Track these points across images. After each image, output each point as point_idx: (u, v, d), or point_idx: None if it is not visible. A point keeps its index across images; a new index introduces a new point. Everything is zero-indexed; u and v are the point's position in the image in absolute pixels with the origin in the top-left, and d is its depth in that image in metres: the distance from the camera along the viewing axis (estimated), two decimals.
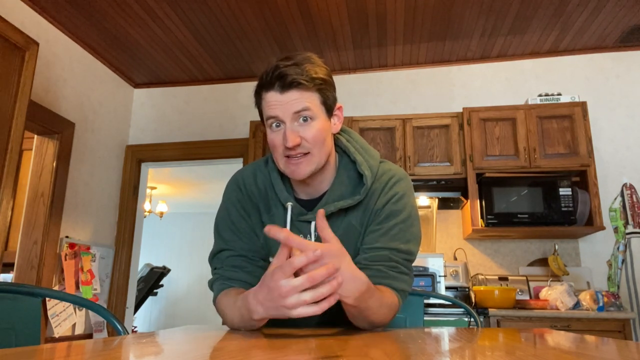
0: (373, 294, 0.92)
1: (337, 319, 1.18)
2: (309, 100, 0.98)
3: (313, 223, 1.06)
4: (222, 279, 1.09)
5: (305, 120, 0.99)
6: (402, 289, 1.05)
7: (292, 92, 0.97)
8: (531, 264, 3.32)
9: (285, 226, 1.07)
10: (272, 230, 0.79)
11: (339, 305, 1.14)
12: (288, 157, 1.00)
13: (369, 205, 1.08)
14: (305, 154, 1.00)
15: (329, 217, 1.05)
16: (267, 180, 1.12)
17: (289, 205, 1.06)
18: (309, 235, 1.08)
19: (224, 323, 1.06)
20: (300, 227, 1.08)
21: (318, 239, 1.06)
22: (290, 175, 1.03)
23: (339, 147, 1.13)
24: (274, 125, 1.00)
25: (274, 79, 0.97)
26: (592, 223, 2.98)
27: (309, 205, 1.09)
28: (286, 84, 0.96)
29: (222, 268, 1.10)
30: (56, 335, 3.03)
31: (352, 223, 1.08)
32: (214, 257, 1.14)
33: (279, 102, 0.98)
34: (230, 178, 1.20)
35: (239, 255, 1.09)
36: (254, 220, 1.13)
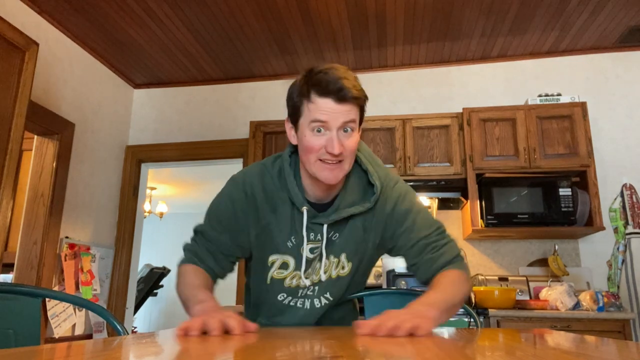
0: (443, 300, 1.00)
1: (329, 320, 1.19)
2: (355, 114, 1.07)
3: (325, 226, 1.13)
4: (194, 255, 1.19)
5: (346, 131, 1.05)
6: (454, 255, 1.16)
7: (347, 105, 1.04)
8: (531, 265, 3.32)
9: (292, 225, 1.14)
10: (361, 329, 0.86)
11: (331, 308, 1.15)
12: (322, 161, 1.05)
13: (375, 211, 1.16)
14: (340, 161, 1.06)
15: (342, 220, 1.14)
16: (275, 181, 1.16)
17: (305, 209, 1.13)
18: (320, 235, 1.14)
19: (176, 286, 1.17)
20: (314, 228, 1.14)
21: (329, 241, 1.15)
22: (322, 179, 1.07)
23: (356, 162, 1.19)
24: (316, 129, 1.05)
25: (335, 89, 1.02)
26: (592, 223, 2.97)
27: (320, 208, 1.15)
28: (346, 97, 1.03)
29: (199, 246, 1.19)
30: (56, 336, 3.03)
31: (357, 224, 1.16)
32: (197, 233, 1.22)
33: (332, 110, 1.03)
34: (236, 175, 1.22)
35: (217, 247, 1.18)
36: (250, 221, 1.17)
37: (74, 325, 3.22)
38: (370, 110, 3.75)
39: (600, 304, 2.63)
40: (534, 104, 3.24)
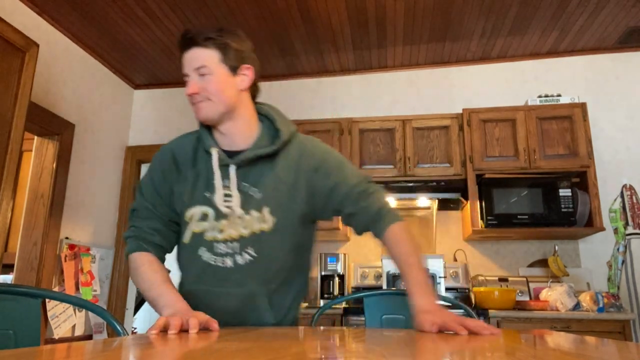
0: (427, 280, 1.13)
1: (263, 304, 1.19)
2: (206, 56, 1.15)
3: (232, 167, 1.17)
4: (139, 239, 1.20)
5: (203, 75, 1.15)
6: (384, 203, 1.22)
7: (191, 51, 1.16)
8: (531, 265, 3.32)
9: (209, 172, 1.19)
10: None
11: (267, 288, 1.17)
12: (193, 103, 1.17)
13: (301, 166, 1.21)
14: (208, 100, 1.16)
15: (255, 167, 1.18)
16: (194, 140, 1.26)
17: (214, 150, 1.19)
18: (227, 180, 1.17)
19: (132, 277, 1.20)
20: (223, 171, 1.18)
21: (249, 196, 1.17)
22: (196, 116, 1.19)
23: (262, 114, 1.27)
24: (185, 78, 1.18)
25: (181, 42, 1.18)
26: (592, 224, 2.97)
27: (232, 155, 1.20)
28: (187, 44, 1.17)
29: (141, 228, 1.21)
30: (56, 337, 3.03)
31: (280, 176, 1.19)
32: (133, 213, 1.25)
33: (184, 60, 1.17)
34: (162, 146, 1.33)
35: (157, 219, 1.22)
36: (174, 178, 1.23)
37: (74, 326, 3.22)
38: (370, 111, 3.78)
39: (601, 305, 2.63)
40: (534, 105, 3.24)
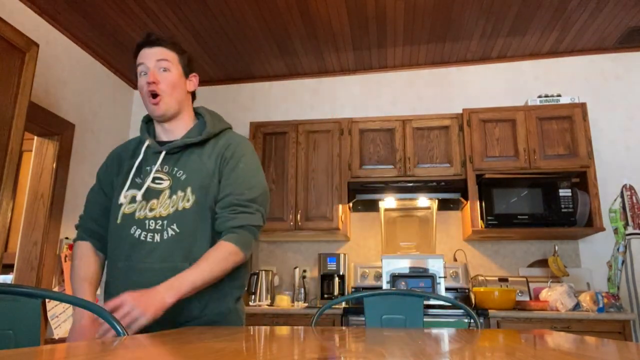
0: (192, 282, 1.17)
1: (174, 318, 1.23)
2: (168, 55, 1.35)
3: (162, 155, 1.34)
4: (82, 229, 1.41)
5: (164, 70, 1.33)
6: (242, 224, 1.28)
7: (156, 48, 1.34)
8: (531, 265, 3.32)
9: (142, 160, 1.36)
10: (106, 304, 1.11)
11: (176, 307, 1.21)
12: (148, 97, 1.32)
13: (221, 155, 1.35)
14: (165, 97, 1.33)
15: (184, 154, 1.34)
16: (137, 140, 1.43)
17: (147, 141, 1.37)
18: (153, 166, 1.33)
19: (71, 265, 1.38)
20: (152, 158, 1.36)
21: (176, 178, 1.31)
22: (151, 111, 1.35)
23: (199, 114, 1.45)
24: (142, 73, 1.34)
25: (145, 39, 1.35)
26: (592, 224, 2.97)
27: (164, 144, 1.37)
28: (153, 42, 1.34)
29: (85, 217, 1.42)
30: (56, 337, 3.03)
31: (204, 161, 1.33)
32: (87, 198, 1.45)
33: (146, 54, 1.33)
34: None
35: (97, 206, 1.40)
36: (114, 172, 1.40)
37: None
38: (370, 111, 3.78)
39: (601, 305, 2.63)
40: (534, 105, 3.24)
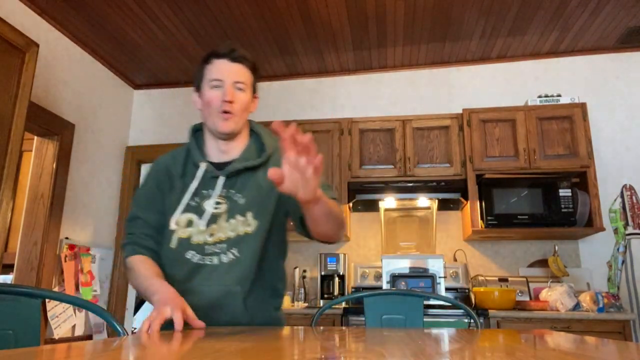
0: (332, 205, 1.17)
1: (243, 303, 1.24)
2: (246, 76, 1.31)
3: (220, 179, 1.30)
4: (135, 245, 1.31)
5: (239, 90, 1.29)
6: (332, 197, 1.27)
7: (238, 65, 1.30)
8: (531, 265, 3.32)
9: (198, 183, 1.30)
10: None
11: (245, 288, 1.23)
12: (219, 113, 1.27)
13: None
14: (236, 115, 1.28)
15: (241, 177, 1.30)
16: (184, 154, 1.37)
17: (203, 164, 1.32)
18: (211, 190, 1.29)
19: (128, 278, 1.31)
20: (210, 182, 1.30)
21: (234, 202, 1.28)
22: (220, 127, 1.28)
23: (252, 130, 1.40)
24: (215, 86, 1.28)
25: (228, 51, 1.31)
26: (592, 224, 2.98)
27: (220, 167, 1.32)
28: (237, 57, 1.30)
29: (136, 235, 1.32)
30: (56, 337, 3.03)
31: (261, 184, 1.30)
32: (129, 222, 1.35)
33: (226, 68, 1.29)
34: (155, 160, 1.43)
35: (151, 225, 1.32)
36: (166, 189, 1.34)
37: (74, 326, 3.22)
38: (370, 111, 3.78)
39: (601, 305, 2.63)
40: (533, 105, 3.24)
